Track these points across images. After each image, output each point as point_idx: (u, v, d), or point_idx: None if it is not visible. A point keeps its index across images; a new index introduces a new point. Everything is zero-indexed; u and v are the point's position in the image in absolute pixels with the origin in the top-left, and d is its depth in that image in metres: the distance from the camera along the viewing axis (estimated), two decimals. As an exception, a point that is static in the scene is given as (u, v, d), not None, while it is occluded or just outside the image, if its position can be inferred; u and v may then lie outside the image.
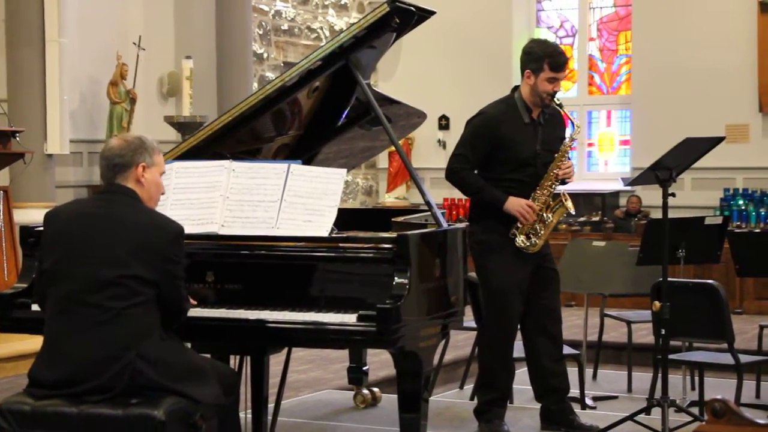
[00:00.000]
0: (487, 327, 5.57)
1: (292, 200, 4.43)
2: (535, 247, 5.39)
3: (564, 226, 11.47)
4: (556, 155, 5.41)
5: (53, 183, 9.01)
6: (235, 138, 4.98)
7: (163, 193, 4.12)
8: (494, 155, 5.43)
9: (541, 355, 5.58)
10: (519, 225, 5.38)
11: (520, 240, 5.38)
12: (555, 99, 5.40)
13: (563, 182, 5.48)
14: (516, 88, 5.53)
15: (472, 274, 5.44)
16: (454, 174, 5.49)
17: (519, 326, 5.63)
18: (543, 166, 5.42)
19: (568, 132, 5.62)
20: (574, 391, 6.43)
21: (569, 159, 5.49)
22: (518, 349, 5.80)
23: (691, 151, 5.50)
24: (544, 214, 5.40)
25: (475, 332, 6.61)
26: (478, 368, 5.68)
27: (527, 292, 5.50)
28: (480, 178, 5.46)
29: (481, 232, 5.45)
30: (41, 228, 4.30)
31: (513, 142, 5.40)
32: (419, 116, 5.75)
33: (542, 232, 5.40)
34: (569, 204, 5.42)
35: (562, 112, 5.51)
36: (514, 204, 5.35)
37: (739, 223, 11.25)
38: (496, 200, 5.39)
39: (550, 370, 5.57)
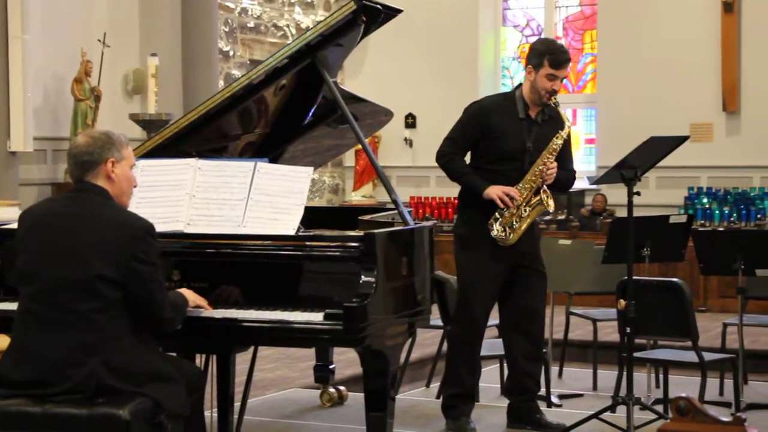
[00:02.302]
0: (454, 322, 5.58)
1: (259, 198, 4.41)
2: (509, 240, 5.38)
3: (551, 210, 11.49)
4: (543, 152, 5.41)
5: (17, 181, 8.94)
6: (201, 136, 4.96)
7: (135, 186, 4.08)
8: (482, 144, 5.45)
9: (516, 354, 5.58)
10: (497, 215, 5.37)
11: (496, 230, 5.37)
12: (553, 98, 5.42)
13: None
14: (520, 85, 5.56)
15: (439, 273, 5.44)
16: (441, 157, 5.52)
17: (498, 324, 5.65)
18: (530, 163, 5.41)
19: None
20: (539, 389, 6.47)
21: (554, 161, 5.47)
22: (486, 348, 5.82)
23: (655, 150, 5.53)
24: (522, 209, 5.39)
25: (441, 330, 6.64)
26: (445, 363, 5.68)
27: (508, 291, 5.50)
28: (465, 164, 5.50)
29: (461, 225, 5.48)
30: (6, 226, 4.26)
31: (501, 134, 5.40)
32: (386, 114, 5.76)
33: (518, 225, 5.39)
34: (550, 201, 5.42)
35: (560, 111, 5.52)
36: (494, 189, 5.34)
37: (703, 221, 11.33)
38: (476, 186, 5.40)
39: (523, 370, 5.57)
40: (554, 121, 5.52)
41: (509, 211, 5.35)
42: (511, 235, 5.37)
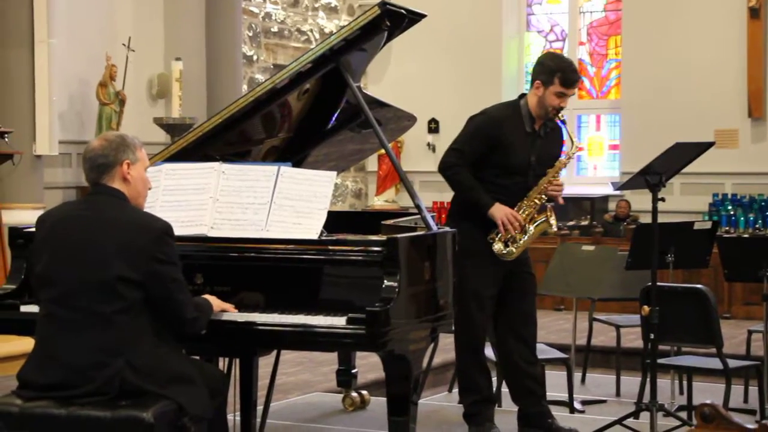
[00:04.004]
0: (461, 330, 5.55)
1: (282, 203, 4.42)
2: (511, 256, 5.36)
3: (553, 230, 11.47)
4: (548, 170, 5.39)
5: (42, 184, 8.99)
6: (225, 140, 4.98)
7: (150, 188, 4.10)
8: (489, 157, 5.38)
9: (514, 357, 5.55)
10: (499, 231, 5.35)
11: (498, 246, 5.35)
12: (559, 115, 5.39)
13: (550, 200, 5.45)
14: (523, 95, 5.50)
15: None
16: (447, 168, 5.42)
17: (493, 329, 5.63)
18: (534, 178, 5.37)
19: (566, 149, 5.58)
20: (562, 395, 6.45)
21: (560, 178, 5.46)
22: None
23: (680, 156, 5.51)
24: (527, 226, 5.37)
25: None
26: (457, 373, 5.67)
27: (501, 296, 5.48)
28: (472, 177, 5.41)
29: (459, 235, 5.43)
30: (32, 230, 4.28)
31: (509, 148, 5.35)
32: (409, 119, 5.75)
33: (521, 242, 5.37)
34: (553, 221, 5.39)
35: (565, 130, 5.49)
36: (500, 211, 5.30)
37: (727, 228, 11.28)
38: (483, 204, 5.34)
39: (524, 372, 5.55)
40: (555, 134, 5.51)
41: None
42: (513, 250, 5.35)
